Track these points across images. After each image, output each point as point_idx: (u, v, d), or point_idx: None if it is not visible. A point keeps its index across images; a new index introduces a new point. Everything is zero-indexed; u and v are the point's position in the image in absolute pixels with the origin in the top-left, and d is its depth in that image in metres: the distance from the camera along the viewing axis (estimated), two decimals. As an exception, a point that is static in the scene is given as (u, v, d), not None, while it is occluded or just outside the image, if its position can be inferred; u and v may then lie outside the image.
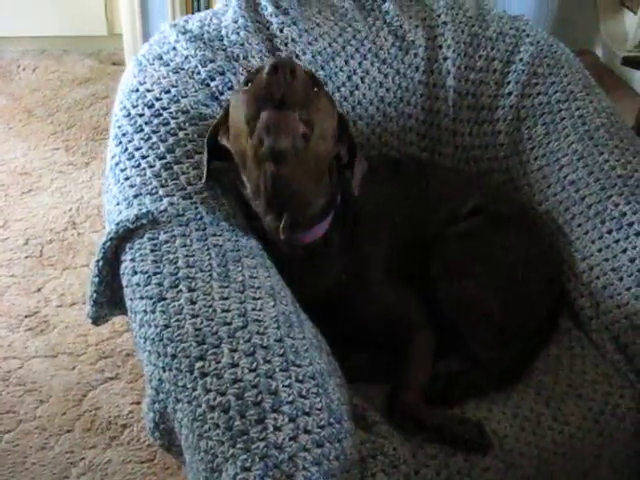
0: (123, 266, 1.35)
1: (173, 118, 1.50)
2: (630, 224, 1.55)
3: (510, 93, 1.84)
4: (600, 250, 1.57)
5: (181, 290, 1.25)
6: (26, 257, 2.44)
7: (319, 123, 1.29)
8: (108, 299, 1.44)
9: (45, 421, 1.96)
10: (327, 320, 1.38)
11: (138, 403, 1.97)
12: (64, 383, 2.05)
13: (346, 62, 1.79)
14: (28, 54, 3.49)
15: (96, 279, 1.42)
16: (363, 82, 1.80)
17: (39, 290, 2.33)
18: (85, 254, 2.43)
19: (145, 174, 1.42)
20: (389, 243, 1.53)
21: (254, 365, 1.15)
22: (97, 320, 1.49)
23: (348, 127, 1.45)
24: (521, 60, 1.85)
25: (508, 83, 1.84)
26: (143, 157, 1.44)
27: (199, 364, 1.16)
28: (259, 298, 1.26)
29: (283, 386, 1.14)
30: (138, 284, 1.29)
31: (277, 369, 1.16)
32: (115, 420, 1.96)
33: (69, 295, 2.30)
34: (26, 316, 2.24)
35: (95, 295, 1.43)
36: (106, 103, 3.09)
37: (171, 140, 1.46)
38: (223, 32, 1.69)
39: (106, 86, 3.22)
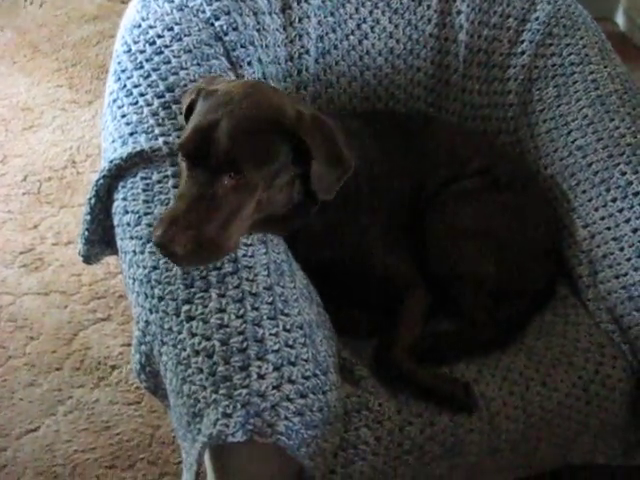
0: (115, 205, 1.33)
1: (175, 56, 1.46)
2: (636, 193, 1.52)
3: (523, 52, 1.79)
4: (603, 218, 1.54)
5: (171, 232, 1.22)
6: (24, 193, 2.42)
7: (247, 218, 1.22)
8: (100, 238, 1.43)
9: (34, 358, 1.96)
10: (320, 279, 1.36)
11: (128, 345, 1.96)
12: (55, 321, 2.05)
13: (356, 9, 1.74)
14: (36, -12, 3.42)
15: (88, 217, 1.40)
16: (373, 31, 1.75)
17: (35, 227, 2.31)
18: (83, 193, 2.40)
19: (142, 112, 1.39)
20: (388, 201, 1.50)
21: (241, 312, 1.14)
22: (89, 259, 1.48)
23: (305, 144, 1.25)
24: (537, 19, 1.80)
25: (522, 42, 1.80)
26: (141, 95, 1.41)
27: (186, 307, 1.15)
28: (251, 245, 1.24)
29: (270, 334, 1.13)
30: (129, 224, 1.27)
31: (265, 317, 1.15)
32: (105, 361, 1.96)
33: (65, 234, 2.29)
34: (21, 252, 2.23)
35: (87, 233, 1.42)
36: (113, 42, 2.97)
37: (171, 79, 1.43)
38: (231, -30, 1.64)
39: (114, 24, 3.12)
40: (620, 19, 3.32)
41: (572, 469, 1.53)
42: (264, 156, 1.22)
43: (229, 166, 1.18)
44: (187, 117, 1.29)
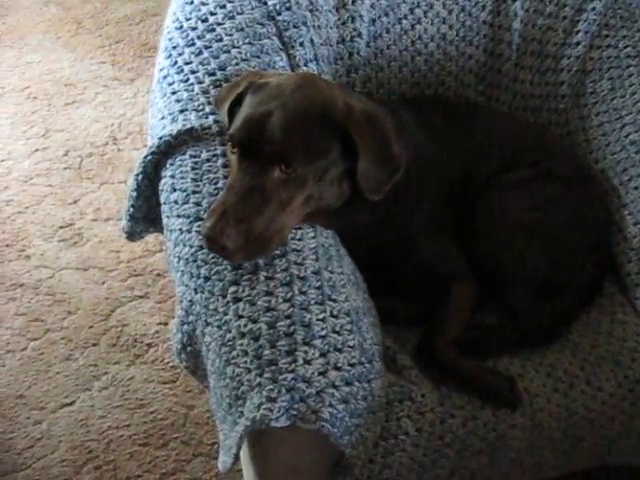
0: (162, 182, 1.32)
1: (227, 34, 1.44)
2: (689, 192, 1.48)
3: (578, 43, 1.75)
4: (654, 216, 1.51)
5: (219, 211, 1.21)
6: (65, 168, 2.43)
7: (298, 211, 1.20)
8: (144, 215, 1.42)
9: (72, 332, 1.97)
10: (368, 268, 1.33)
11: (165, 324, 1.97)
12: (93, 297, 2.06)
13: (410, -7, 1.71)
14: (82, -36, 3.42)
15: (134, 193, 1.39)
16: (426, 16, 1.72)
17: (75, 202, 2.32)
18: (124, 170, 2.41)
19: (193, 89, 1.37)
20: (436, 189, 1.48)
21: (289, 295, 1.12)
22: (132, 235, 1.47)
23: (353, 141, 1.23)
24: (593, 9, 1.75)
25: (577, 32, 1.75)
26: (192, 72, 1.40)
27: (232, 289, 1.14)
28: (299, 228, 1.23)
29: (317, 320, 1.11)
30: (176, 202, 1.26)
31: (312, 302, 1.13)
32: (141, 338, 1.96)
33: (105, 210, 2.29)
34: (60, 227, 2.24)
35: (132, 209, 1.41)
36: (156, 20, 3.02)
37: (223, 57, 1.41)
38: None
39: (158, 3, 3.15)
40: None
41: (607, 469, 1.51)
42: (315, 151, 1.20)
43: (280, 159, 1.17)
44: (231, 111, 1.27)
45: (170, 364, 1.88)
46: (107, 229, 2.22)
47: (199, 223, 1.21)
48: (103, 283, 2.09)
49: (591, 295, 1.52)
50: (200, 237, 1.19)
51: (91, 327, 1.98)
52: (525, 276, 1.44)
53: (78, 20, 3.10)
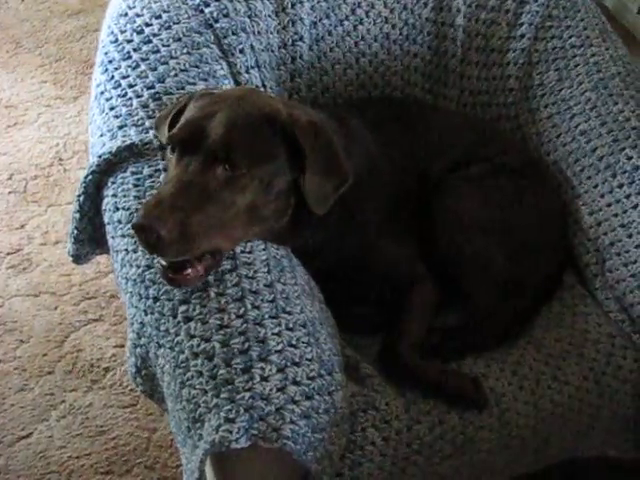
0: (105, 201, 1.28)
1: (164, 45, 1.41)
2: (643, 178, 1.48)
3: (523, 35, 1.74)
4: (609, 205, 1.50)
5: (165, 229, 1.17)
6: (10, 192, 2.35)
7: (237, 218, 1.13)
8: (89, 236, 1.38)
9: (25, 362, 1.91)
10: (322, 280, 1.30)
11: (122, 346, 1.91)
12: (46, 323, 1.99)
13: (350, -6, 1.69)
14: (17, -18, 3.35)
15: (77, 215, 1.35)
16: (368, 16, 1.70)
17: (22, 227, 2.25)
18: (71, 191, 2.34)
19: (131, 104, 1.34)
20: (389, 194, 1.45)
21: (242, 311, 1.09)
22: (78, 258, 1.43)
23: (301, 148, 1.19)
24: (536, 1, 1.75)
25: (521, 25, 1.75)
26: (130, 86, 1.36)
27: (183, 308, 1.10)
28: (249, 240, 1.19)
29: (272, 334, 1.08)
30: (120, 221, 1.22)
31: (266, 316, 1.10)
32: (97, 363, 1.91)
33: (53, 233, 2.23)
34: (8, 253, 2.17)
35: (76, 232, 1.37)
36: (97, 36, 2.88)
37: (161, 69, 1.38)
38: (220, -46, 1.58)
39: (98, 18, 3.06)
40: (609, 1, 3.28)
41: (583, 461, 1.49)
42: (259, 153, 1.16)
43: (224, 155, 1.12)
44: (172, 125, 1.22)
45: (129, 387, 1.83)
46: (57, 252, 2.16)
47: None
48: (55, 308, 2.03)
49: (552, 289, 1.52)
50: (147, 257, 1.15)
51: (45, 355, 1.92)
52: (485, 274, 1.43)
53: (17, 39, 3.02)
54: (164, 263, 1.10)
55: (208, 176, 1.11)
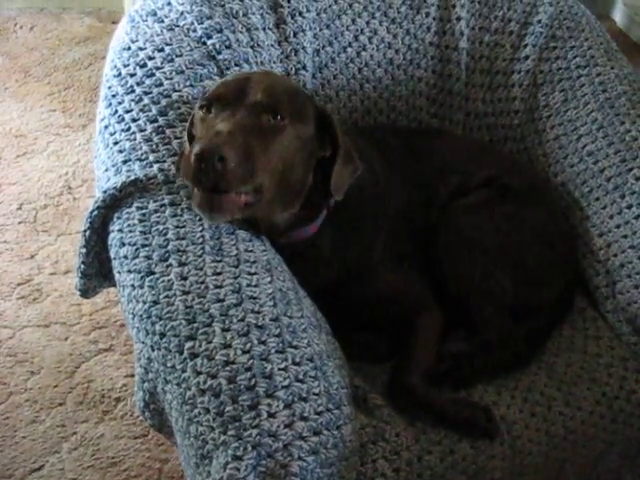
0: (111, 237, 1.28)
1: (167, 78, 1.41)
2: (651, 199, 1.47)
3: (527, 57, 1.74)
4: (619, 226, 1.49)
5: (171, 264, 1.17)
6: (19, 222, 2.37)
7: (279, 164, 1.20)
8: (96, 271, 1.38)
9: (36, 393, 1.91)
10: (328, 304, 1.30)
11: (132, 376, 1.90)
12: (56, 354, 1.99)
13: (353, 21, 1.69)
14: (26, 12, 3.39)
15: (84, 250, 1.35)
16: (371, 42, 1.70)
17: (32, 257, 2.26)
18: (81, 220, 2.29)
19: (135, 138, 1.33)
20: (393, 220, 1.45)
21: (248, 346, 1.08)
22: (86, 292, 1.43)
23: (332, 126, 1.28)
24: (539, 22, 1.75)
25: (525, 46, 1.75)
26: (133, 120, 1.36)
27: (189, 344, 1.09)
28: (254, 273, 1.18)
29: (278, 369, 1.07)
30: (126, 256, 1.22)
31: (272, 350, 1.09)
32: (108, 393, 1.90)
33: (63, 262, 2.23)
34: (18, 284, 2.18)
35: (83, 266, 1.36)
36: (105, 63, 2.98)
37: (164, 102, 1.38)
38: (222, -13, 1.59)
39: (105, 46, 3.04)
40: (618, 16, 3.27)
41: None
42: (300, 112, 1.24)
43: (270, 105, 1.19)
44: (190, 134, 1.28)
45: (140, 418, 1.81)
46: (67, 282, 2.16)
47: (151, 277, 1.17)
48: (66, 339, 2.03)
49: (562, 312, 1.50)
50: (153, 292, 1.15)
51: (56, 386, 1.92)
52: (493, 300, 1.42)
53: (25, 69, 3.05)
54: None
55: (256, 122, 1.17)
